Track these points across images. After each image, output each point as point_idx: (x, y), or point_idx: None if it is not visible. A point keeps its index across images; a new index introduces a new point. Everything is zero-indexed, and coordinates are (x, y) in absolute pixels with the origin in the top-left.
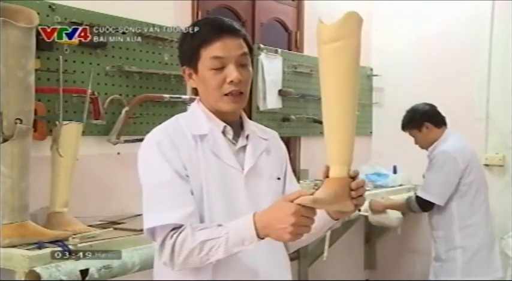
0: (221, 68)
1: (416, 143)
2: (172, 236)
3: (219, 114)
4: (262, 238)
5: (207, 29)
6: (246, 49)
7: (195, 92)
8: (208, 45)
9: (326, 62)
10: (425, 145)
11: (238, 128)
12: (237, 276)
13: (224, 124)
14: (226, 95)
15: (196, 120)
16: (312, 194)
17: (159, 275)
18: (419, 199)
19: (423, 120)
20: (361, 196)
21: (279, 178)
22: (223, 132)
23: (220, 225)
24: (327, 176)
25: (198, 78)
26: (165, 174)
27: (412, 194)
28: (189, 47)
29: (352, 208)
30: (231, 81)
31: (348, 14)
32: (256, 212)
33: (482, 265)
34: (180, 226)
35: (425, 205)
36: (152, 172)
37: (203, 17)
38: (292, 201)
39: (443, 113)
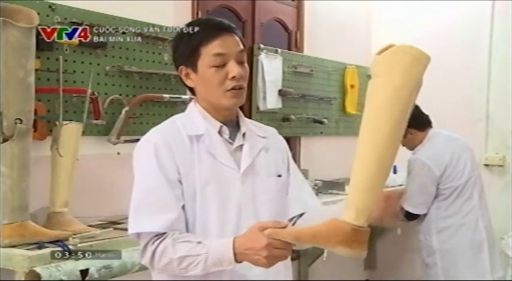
0: (222, 66)
1: (403, 145)
2: (154, 242)
3: (218, 113)
4: (240, 262)
5: (206, 27)
6: (242, 46)
7: (192, 92)
8: (208, 43)
9: (366, 99)
10: (412, 148)
11: (235, 128)
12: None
13: (220, 124)
14: (227, 90)
15: (193, 120)
16: (285, 226)
17: (157, 276)
18: (403, 210)
19: (407, 127)
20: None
21: (279, 175)
22: (220, 132)
23: (200, 242)
24: None
25: (197, 77)
26: (154, 178)
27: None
28: (188, 46)
29: (344, 253)
30: (233, 77)
31: (397, 47)
32: (236, 237)
33: (466, 269)
34: (164, 232)
35: (409, 215)
36: (142, 174)
37: (195, 19)
38: (263, 231)
39: (432, 118)
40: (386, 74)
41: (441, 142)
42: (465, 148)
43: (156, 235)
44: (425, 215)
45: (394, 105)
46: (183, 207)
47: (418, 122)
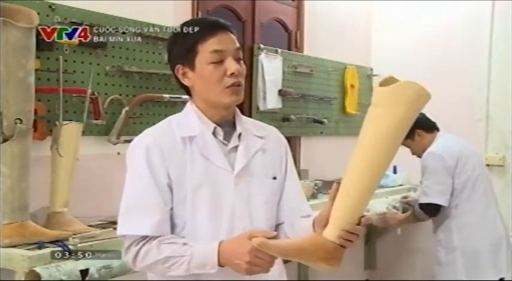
0: (220, 62)
1: (413, 153)
2: (138, 243)
3: (214, 113)
4: (223, 266)
5: (202, 26)
6: (238, 44)
7: (187, 93)
8: (205, 40)
9: (365, 123)
10: (421, 152)
11: (231, 128)
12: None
13: (214, 125)
14: (227, 87)
15: (188, 121)
16: (274, 236)
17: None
18: (422, 205)
19: (414, 128)
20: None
21: (275, 177)
22: (214, 134)
23: (185, 244)
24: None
25: (195, 75)
26: (143, 181)
27: (411, 193)
28: (184, 44)
29: (321, 268)
30: (232, 73)
31: (403, 82)
32: (223, 241)
33: (487, 267)
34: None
35: (429, 210)
36: (132, 176)
37: (189, 20)
38: (251, 238)
39: (432, 118)
40: (390, 106)
41: (451, 139)
42: (472, 151)
43: (142, 237)
44: (442, 213)
45: (395, 137)
46: (172, 211)
47: (426, 124)
